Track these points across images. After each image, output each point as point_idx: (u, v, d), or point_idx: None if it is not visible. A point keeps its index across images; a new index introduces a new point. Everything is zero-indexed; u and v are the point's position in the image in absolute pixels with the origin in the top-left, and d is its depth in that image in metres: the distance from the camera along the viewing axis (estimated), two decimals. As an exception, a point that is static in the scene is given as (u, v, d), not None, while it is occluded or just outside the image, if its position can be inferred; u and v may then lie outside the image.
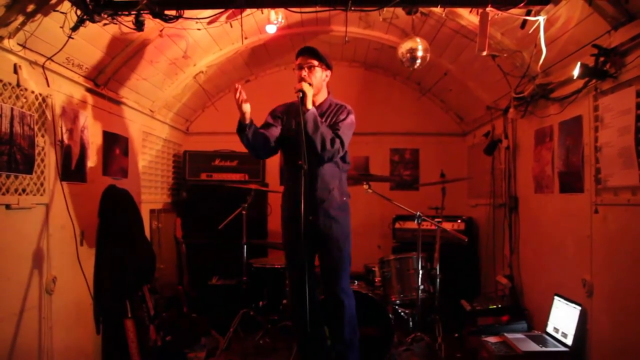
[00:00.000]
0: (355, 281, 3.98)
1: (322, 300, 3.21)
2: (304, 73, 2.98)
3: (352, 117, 3.06)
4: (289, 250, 3.14)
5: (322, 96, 3.11)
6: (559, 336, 3.17)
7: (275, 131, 3.10)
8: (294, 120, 3.05)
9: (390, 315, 3.61)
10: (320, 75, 3.04)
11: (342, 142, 2.93)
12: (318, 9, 3.04)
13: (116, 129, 3.85)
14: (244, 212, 4.15)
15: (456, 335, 4.03)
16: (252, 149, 3.03)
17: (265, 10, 3.75)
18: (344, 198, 3.10)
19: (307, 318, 2.56)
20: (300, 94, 2.80)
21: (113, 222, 3.53)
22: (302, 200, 2.54)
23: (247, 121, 2.86)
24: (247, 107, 2.83)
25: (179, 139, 5.51)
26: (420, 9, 3.43)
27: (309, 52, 3.04)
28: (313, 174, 2.97)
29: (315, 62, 3.01)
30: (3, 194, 2.54)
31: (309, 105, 2.82)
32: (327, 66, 3.08)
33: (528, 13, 2.89)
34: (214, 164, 5.23)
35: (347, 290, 3.07)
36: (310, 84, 2.90)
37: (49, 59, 2.86)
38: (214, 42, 4.20)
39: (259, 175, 5.26)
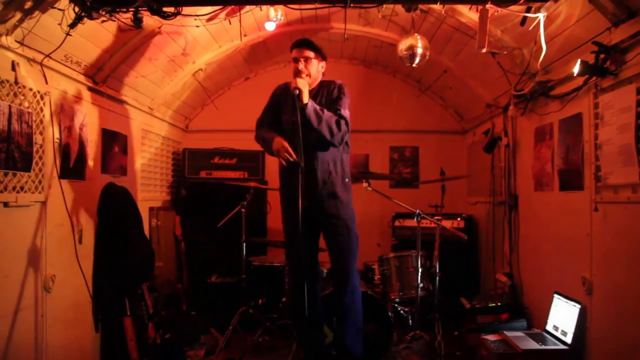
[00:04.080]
0: (355, 279, 3.97)
1: (329, 295, 3.19)
2: (301, 66, 2.98)
3: (345, 90, 3.08)
4: (290, 239, 3.13)
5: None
6: (558, 334, 3.17)
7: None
8: (291, 112, 3.02)
9: (390, 314, 3.61)
10: (316, 67, 3.05)
11: (346, 122, 2.96)
12: (317, 5, 3.03)
13: (115, 126, 3.84)
14: (243, 210, 4.15)
15: (456, 333, 4.02)
16: None
17: (265, 8, 3.74)
18: (346, 179, 3.10)
19: (306, 314, 2.55)
20: (297, 92, 2.79)
21: (112, 220, 3.52)
22: (300, 198, 2.53)
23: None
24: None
25: (178, 137, 5.50)
26: (420, 6, 3.43)
27: (304, 44, 3.04)
28: (313, 157, 2.97)
29: (312, 54, 3.02)
30: (1, 191, 2.53)
31: (306, 100, 2.81)
32: (323, 57, 3.09)
33: (528, 10, 2.88)
34: (214, 162, 5.22)
35: (356, 276, 3.09)
36: (308, 75, 2.93)
37: (47, 56, 2.84)
38: (213, 39, 4.18)
39: (258, 172, 5.25)
